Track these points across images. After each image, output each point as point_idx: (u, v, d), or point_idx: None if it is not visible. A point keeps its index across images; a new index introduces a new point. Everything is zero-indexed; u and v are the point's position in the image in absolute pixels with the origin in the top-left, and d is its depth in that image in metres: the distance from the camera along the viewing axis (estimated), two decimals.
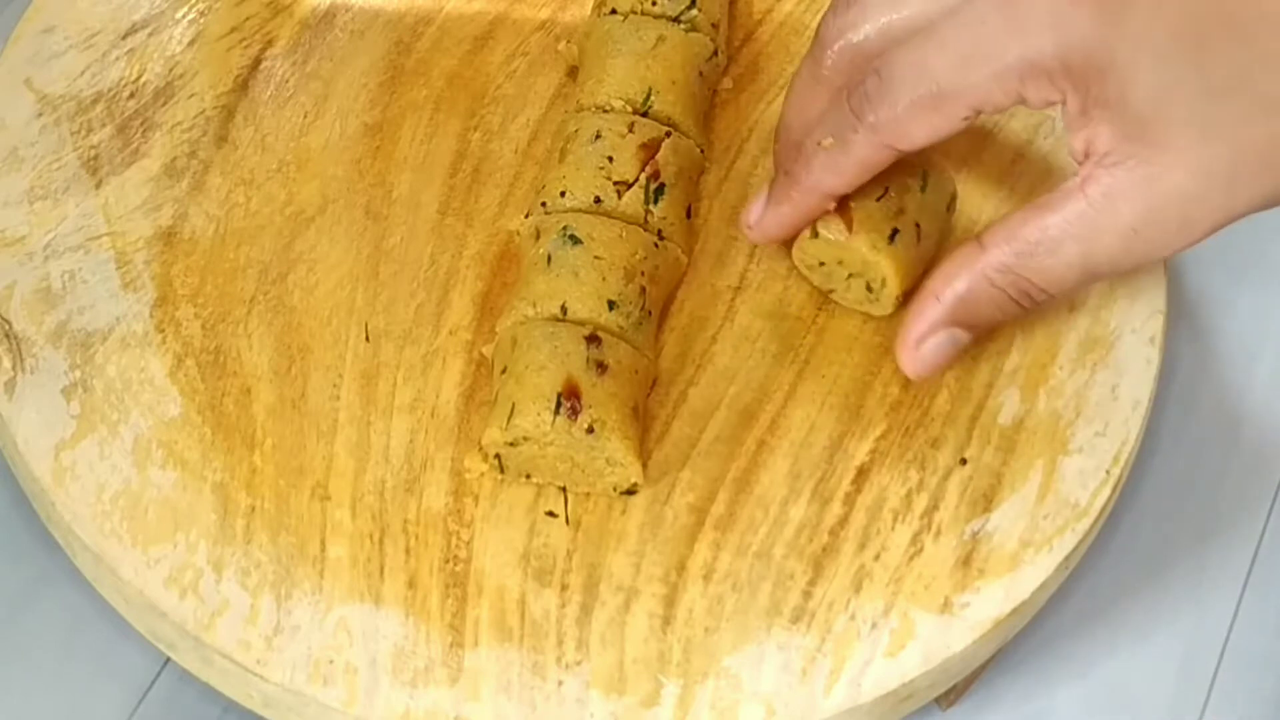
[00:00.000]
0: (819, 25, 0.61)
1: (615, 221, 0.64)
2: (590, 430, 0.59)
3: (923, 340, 0.61)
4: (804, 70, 0.62)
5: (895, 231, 0.62)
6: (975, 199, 0.68)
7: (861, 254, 0.63)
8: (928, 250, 0.64)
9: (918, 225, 0.63)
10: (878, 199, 0.62)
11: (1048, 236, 0.58)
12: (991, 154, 0.69)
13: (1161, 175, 0.56)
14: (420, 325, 0.65)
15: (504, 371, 0.61)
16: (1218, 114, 0.55)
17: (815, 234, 0.63)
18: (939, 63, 0.57)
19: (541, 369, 0.60)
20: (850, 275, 0.64)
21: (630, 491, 0.61)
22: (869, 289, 0.64)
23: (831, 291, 0.65)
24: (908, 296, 0.63)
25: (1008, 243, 0.58)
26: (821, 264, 0.64)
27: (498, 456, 0.61)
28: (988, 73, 0.56)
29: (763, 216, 0.63)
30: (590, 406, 0.59)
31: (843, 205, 0.62)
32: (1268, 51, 0.55)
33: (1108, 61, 0.55)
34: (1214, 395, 0.72)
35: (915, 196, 0.63)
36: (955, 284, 0.60)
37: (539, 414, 0.59)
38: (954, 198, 0.65)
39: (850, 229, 0.62)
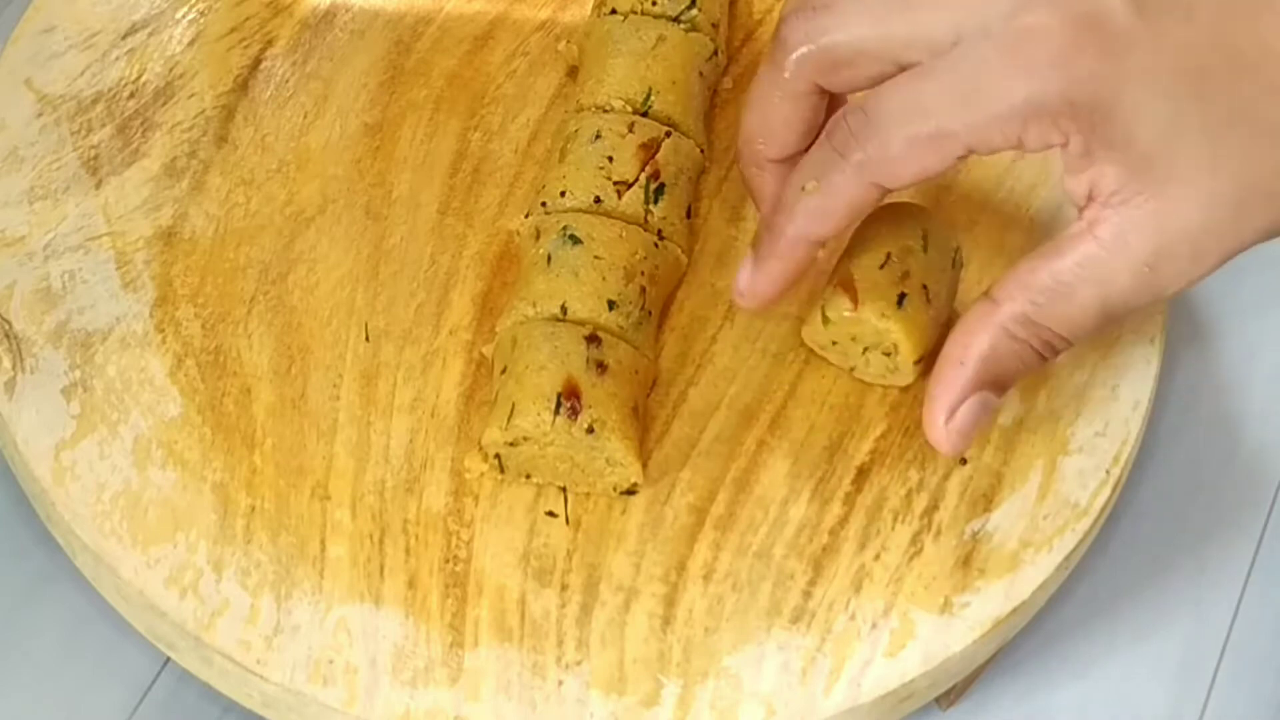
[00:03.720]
0: (778, 27, 0.59)
1: (615, 221, 0.63)
2: (590, 430, 0.59)
3: (953, 410, 0.58)
4: (763, 77, 0.60)
5: (903, 296, 0.61)
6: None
7: (872, 325, 0.61)
8: (940, 311, 0.63)
9: (925, 287, 0.62)
10: (880, 266, 0.61)
11: (1061, 282, 0.56)
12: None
13: (1171, 210, 0.55)
14: (420, 325, 0.65)
15: (504, 371, 0.61)
16: (1223, 146, 0.55)
17: (825, 318, 0.62)
18: (937, 102, 0.55)
19: (541, 369, 0.60)
20: (866, 349, 0.63)
21: (630, 491, 0.61)
22: (886, 357, 0.63)
23: (853, 369, 0.64)
24: (928, 362, 0.62)
25: (1022, 293, 0.57)
26: (835, 343, 0.63)
27: (498, 456, 0.61)
28: (990, 114, 0.55)
29: (753, 278, 0.61)
30: (590, 406, 0.59)
31: (846, 280, 0.62)
32: (1271, 82, 0.54)
33: (1113, 101, 0.54)
34: (1214, 395, 0.72)
35: (919, 258, 0.62)
36: (976, 344, 0.58)
37: (539, 414, 0.59)
38: (958, 252, 0.64)
39: (857, 303, 0.61)
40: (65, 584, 0.64)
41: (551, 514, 0.61)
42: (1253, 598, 0.68)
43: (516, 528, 0.61)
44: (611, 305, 0.62)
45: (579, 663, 0.58)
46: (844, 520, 0.61)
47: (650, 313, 0.63)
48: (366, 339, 0.64)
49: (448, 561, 0.60)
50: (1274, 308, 0.75)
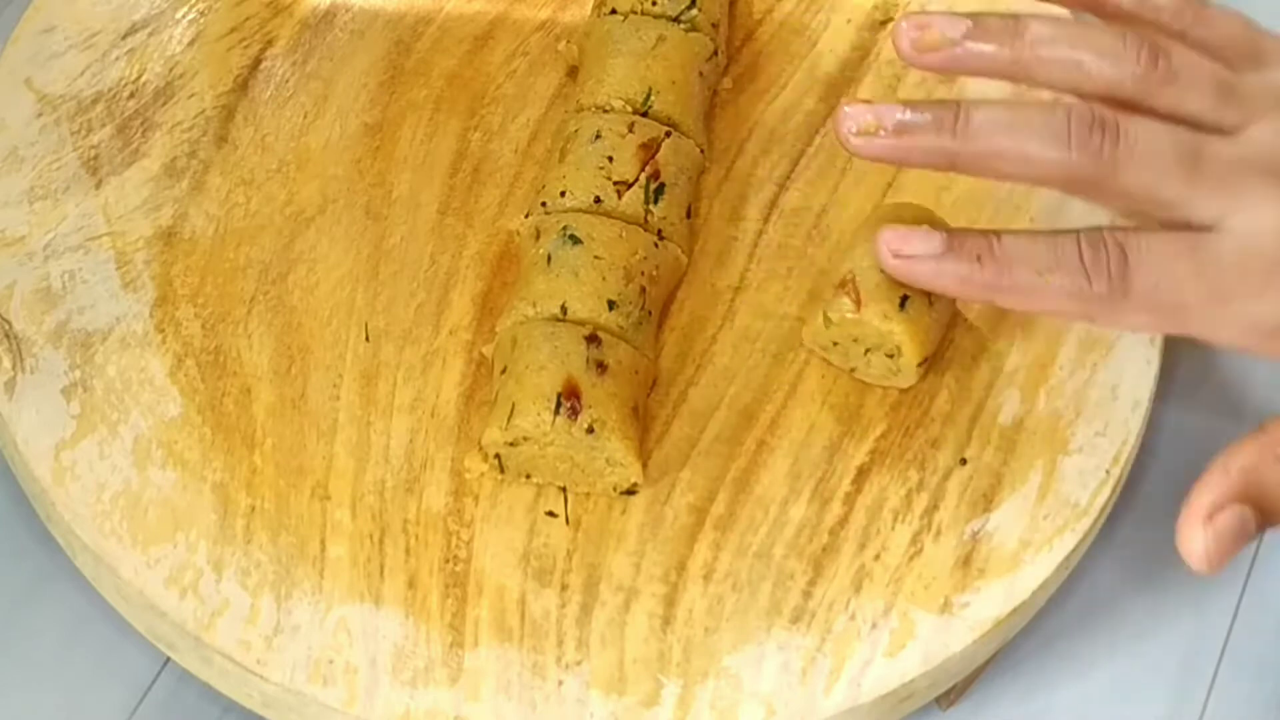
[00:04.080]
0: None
1: (615, 221, 0.64)
2: (590, 430, 0.59)
3: (1213, 513, 0.55)
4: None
5: (905, 298, 0.61)
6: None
7: (874, 326, 0.62)
8: (942, 312, 0.63)
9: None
10: (882, 269, 0.61)
11: None
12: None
13: None
14: (420, 325, 0.65)
15: (504, 371, 0.61)
16: None
17: (827, 319, 0.62)
18: (1191, 288, 0.56)
19: (541, 369, 0.60)
20: (868, 350, 0.63)
21: (630, 491, 0.61)
22: (889, 359, 0.63)
23: (854, 370, 0.64)
24: (930, 364, 0.62)
25: None
26: (836, 344, 0.63)
27: (498, 456, 0.61)
28: (1237, 327, 0.57)
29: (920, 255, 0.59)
30: (590, 406, 0.59)
31: (848, 282, 0.62)
32: None
33: None
34: (1214, 395, 0.72)
35: None
36: (1241, 457, 0.55)
37: (539, 414, 0.59)
38: None
39: (859, 304, 0.61)
40: (65, 584, 0.64)
41: (551, 514, 0.61)
42: (1253, 598, 0.68)
43: (516, 528, 0.61)
44: (611, 305, 0.62)
45: (579, 663, 0.58)
46: (844, 520, 0.61)
47: (650, 313, 0.63)
48: (366, 339, 0.64)
49: (448, 561, 0.60)
50: None
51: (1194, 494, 0.55)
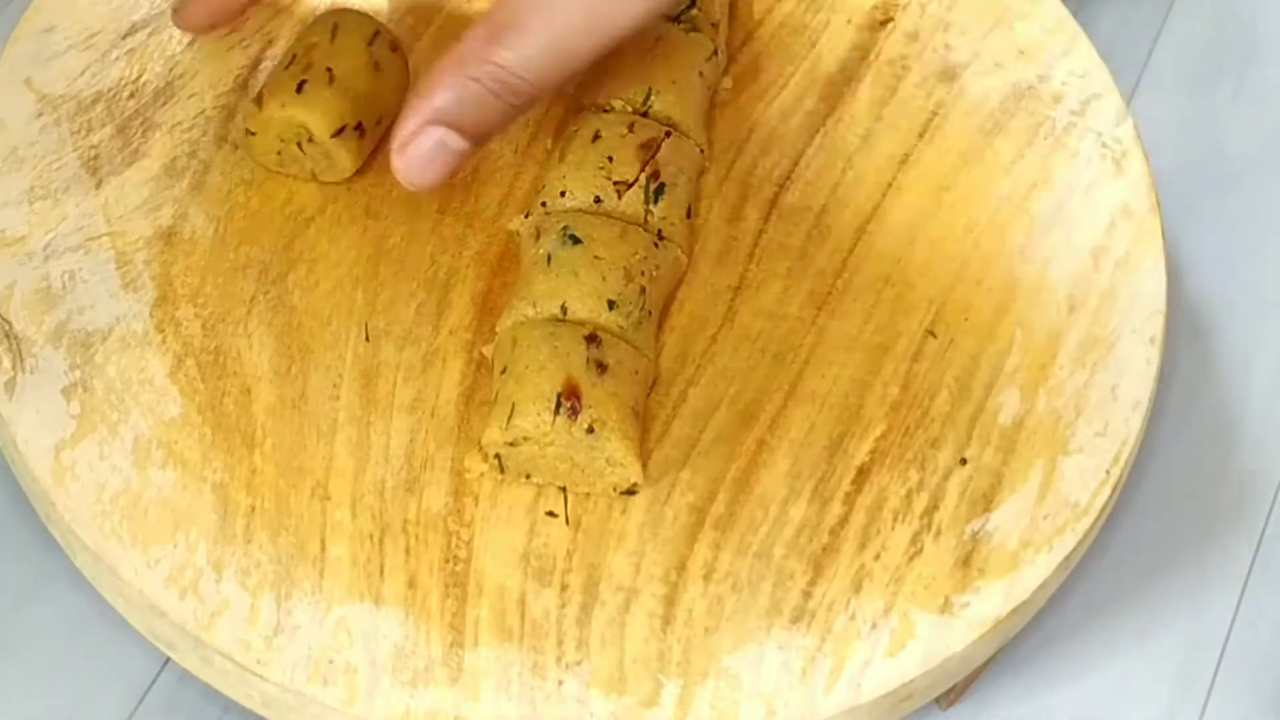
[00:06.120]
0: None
1: (615, 221, 0.64)
2: (590, 430, 0.59)
3: (407, 141, 0.59)
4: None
5: (303, 83, 0.65)
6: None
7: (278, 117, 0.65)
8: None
9: (329, 70, 0.65)
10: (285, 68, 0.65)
11: (512, 14, 0.57)
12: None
13: None
14: (420, 325, 0.65)
15: (504, 371, 0.61)
16: None
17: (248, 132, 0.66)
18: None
19: (541, 369, 0.60)
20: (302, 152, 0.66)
21: (630, 491, 0.61)
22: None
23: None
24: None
25: (481, 27, 0.58)
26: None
27: (498, 456, 0.61)
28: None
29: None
30: (590, 406, 0.59)
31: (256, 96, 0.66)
32: None
33: None
34: (1214, 395, 0.72)
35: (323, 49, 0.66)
36: (431, 73, 0.59)
37: (539, 414, 0.59)
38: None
39: (261, 104, 0.65)
40: (65, 584, 0.64)
41: (551, 514, 0.61)
42: (1253, 598, 0.68)
43: (516, 528, 0.61)
44: (611, 305, 0.62)
45: (579, 663, 0.58)
46: (844, 520, 0.61)
47: (650, 313, 0.63)
48: (366, 339, 0.64)
49: (448, 561, 0.60)
50: (1274, 308, 0.75)
51: (395, 127, 0.59)
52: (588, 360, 0.60)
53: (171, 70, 0.70)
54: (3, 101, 0.69)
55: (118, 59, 0.70)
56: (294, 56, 0.66)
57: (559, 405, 0.59)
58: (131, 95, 0.69)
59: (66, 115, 0.69)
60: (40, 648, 0.64)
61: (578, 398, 0.59)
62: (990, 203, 0.68)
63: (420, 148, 0.59)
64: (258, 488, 0.61)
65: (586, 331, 0.61)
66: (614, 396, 0.60)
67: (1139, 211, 0.68)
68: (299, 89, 0.65)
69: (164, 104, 0.69)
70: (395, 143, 0.59)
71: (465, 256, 0.66)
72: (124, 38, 0.71)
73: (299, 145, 0.66)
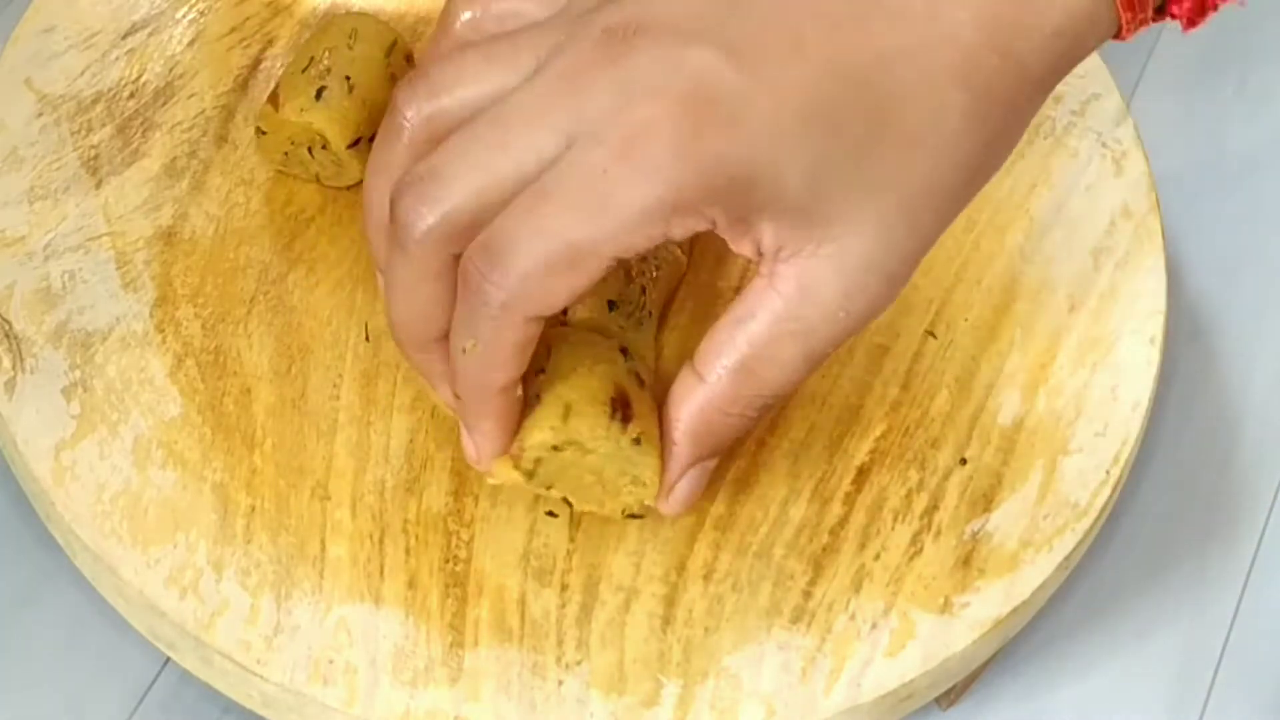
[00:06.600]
0: (393, 209, 0.54)
1: None
2: (637, 442, 0.57)
3: (671, 487, 0.58)
4: (396, 263, 0.54)
5: (322, 89, 0.65)
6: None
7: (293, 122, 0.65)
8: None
9: (347, 78, 0.65)
10: (303, 71, 0.65)
11: (761, 348, 0.54)
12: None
13: (844, 249, 0.53)
14: None
15: (541, 372, 0.58)
16: (870, 168, 0.52)
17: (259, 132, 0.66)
18: (562, 220, 0.51)
19: (590, 372, 0.57)
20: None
21: (636, 515, 0.59)
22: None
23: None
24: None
25: (724, 369, 0.55)
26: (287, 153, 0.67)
27: (537, 461, 0.58)
28: (624, 222, 0.51)
29: (477, 446, 0.57)
30: (639, 417, 0.57)
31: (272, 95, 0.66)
32: (892, 90, 0.52)
33: (749, 173, 0.51)
34: (1214, 395, 0.72)
35: (342, 54, 0.66)
36: (686, 424, 0.57)
37: (596, 416, 0.57)
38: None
39: (278, 105, 0.65)
40: (65, 584, 0.64)
41: (551, 514, 0.61)
42: (1252, 598, 0.68)
43: (516, 528, 0.61)
44: (611, 305, 0.62)
45: (579, 663, 0.58)
46: (844, 520, 0.61)
47: (650, 313, 0.63)
48: (366, 339, 0.64)
49: (448, 561, 0.60)
50: (1274, 308, 0.75)
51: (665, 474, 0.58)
52: (628, 371, 0.59)
53: (171, 70, 0.70)
54: (3, 101, 0.69)
55: (118, 59, 0.70)
56: (311, 59, 0.65)
57: (614, 410, 0.58)
58: (131, 95, 0.69)
59: (66, 115, 0.69)
60: (40, 648, 0.64)
61: (629, 406, 0.58)
62: (990, 203, 0.68)
63: (689, 487, 0.58)
64: (258, 488, 0.61)
65: (619, 343, 0.60)
66: (653, 413, 0.58)
67: (1139, 211, 0.68)
68: (318, 95, 0.65)
69: (164, 104, 0.69)
70: (664, 490, 0.58)
71: None
72: (124, 38, 0.71)
73: (309, 150, 0.66)
